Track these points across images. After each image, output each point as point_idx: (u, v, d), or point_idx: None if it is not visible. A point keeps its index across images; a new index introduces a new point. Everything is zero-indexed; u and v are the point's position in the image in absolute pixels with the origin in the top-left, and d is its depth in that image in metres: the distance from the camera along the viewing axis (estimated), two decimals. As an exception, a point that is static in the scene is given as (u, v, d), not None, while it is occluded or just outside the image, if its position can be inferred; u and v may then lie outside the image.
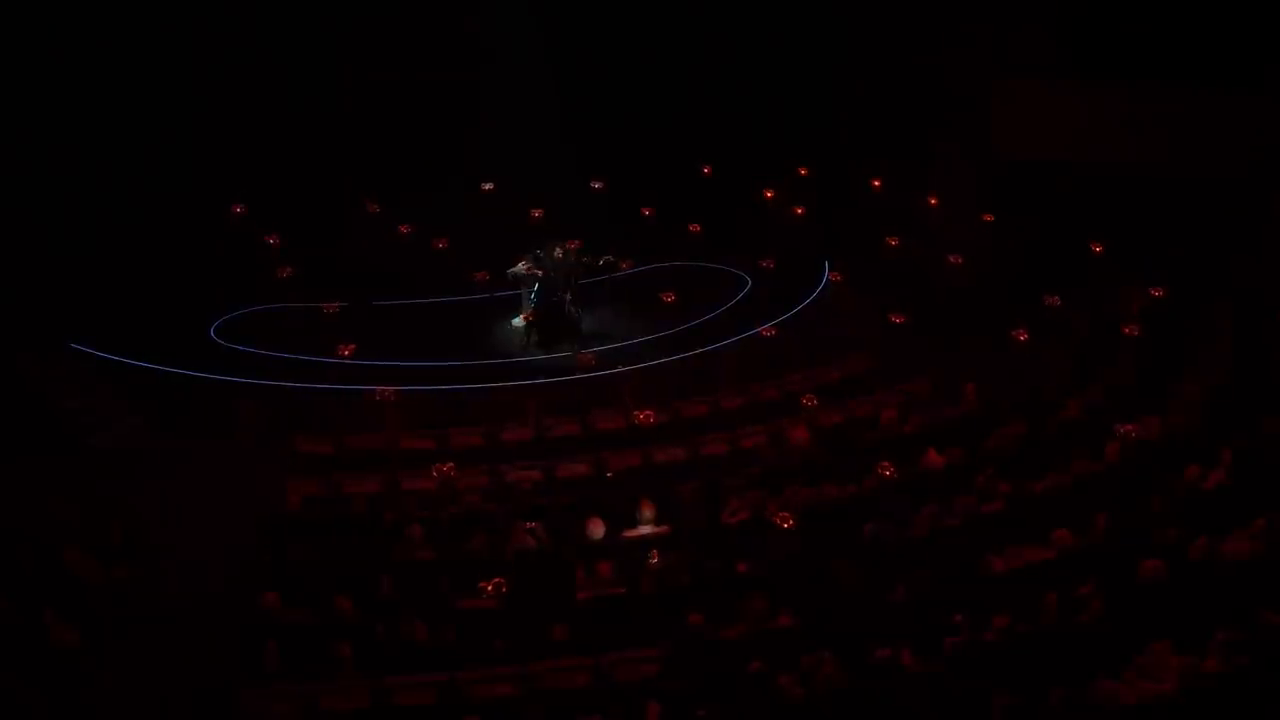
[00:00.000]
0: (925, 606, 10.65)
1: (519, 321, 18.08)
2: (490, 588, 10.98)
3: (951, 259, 18.19)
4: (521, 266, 17.89)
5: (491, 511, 13.02)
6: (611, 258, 18.14)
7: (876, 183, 20.49)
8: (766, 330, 16.86)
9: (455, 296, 18.91)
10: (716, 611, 10.80)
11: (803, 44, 21.43)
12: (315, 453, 14.70)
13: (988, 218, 19.17)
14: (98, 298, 17.26)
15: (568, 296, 17.83)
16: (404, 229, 18.91)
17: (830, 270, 18.98)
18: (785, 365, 16.93)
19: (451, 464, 13.52)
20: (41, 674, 10.40)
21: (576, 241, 17.99)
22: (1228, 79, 18.03)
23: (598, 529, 12.30)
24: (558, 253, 17.79)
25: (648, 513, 12.51)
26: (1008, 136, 20.47)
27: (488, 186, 19.57)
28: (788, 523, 11.86)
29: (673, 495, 13.03)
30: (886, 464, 12.87)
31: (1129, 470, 12.70)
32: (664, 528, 12.50)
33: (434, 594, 11.44)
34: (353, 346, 15.75)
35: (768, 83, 21.62)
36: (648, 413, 14.25)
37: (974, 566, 11.26)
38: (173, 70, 19.60)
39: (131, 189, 18.83)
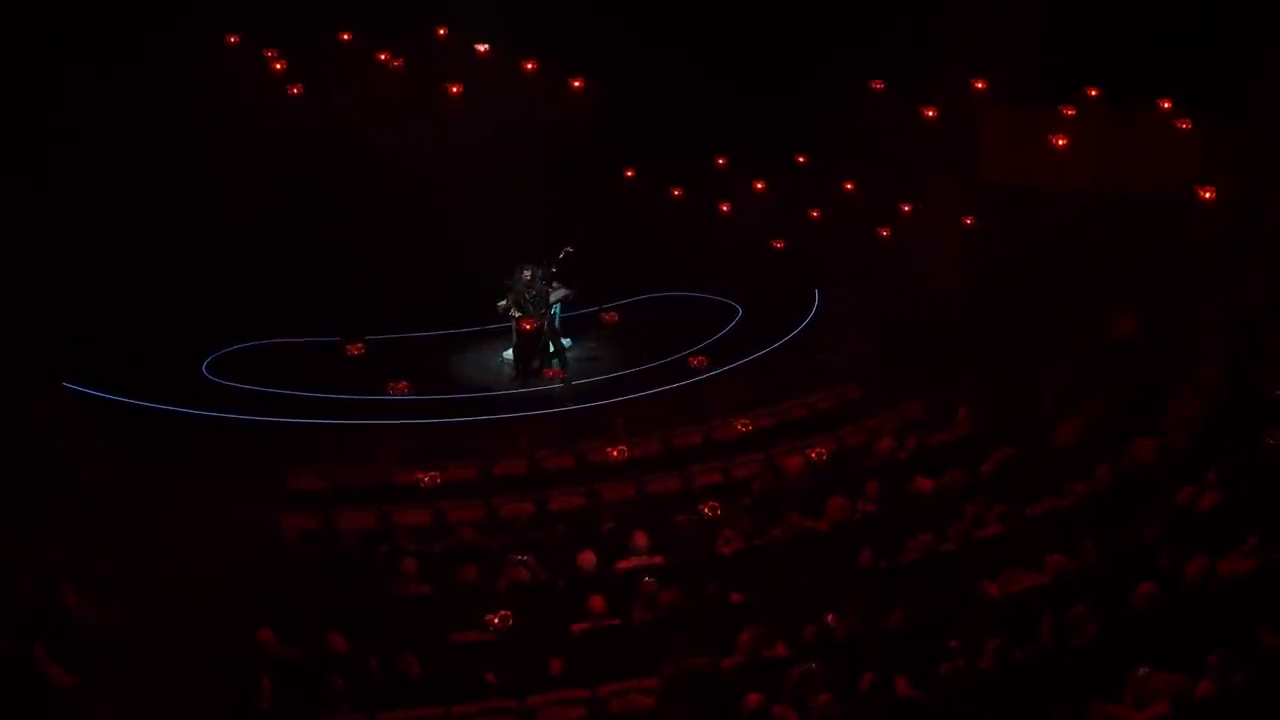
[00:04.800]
0: (920, 633, 10.65)
1: (509, 354, 18.07)
2: (497, 620, 11.04)
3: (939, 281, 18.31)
4: (509, 299, 17.81)
5: (485, 545, 13.02)
6: (570, 249, 17.70)
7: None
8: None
9: (445, 330, 18.96)
10: (713, 642, 10.79)
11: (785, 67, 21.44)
12: (309, 488, 14.70)
13: (968, 220, 19.24)
14: (90, 333, 17.26)
15: (545, 324, 17.68)
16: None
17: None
18: (777, 393, 16.97)
19: (436, 473, 13.61)
20: (37, 713, 10.37)
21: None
22: (1211, 102, 18.15)
23: (589, 561, 12.30)
24: (526, 274, 17.65)
25: (641, 543, 12.52)
26: (993, 162, 20.56)
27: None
28: (716, 512, 12.44)
29: (666, 525, 13.04)
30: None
31: (1123, 492, 12.74)
32: (657, 558, 12.51)
33: (429, 628, 11.43)
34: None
35: (751, 109, 21.62)
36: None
37: (969, 592, 11.27)
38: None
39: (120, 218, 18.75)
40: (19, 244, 17.55)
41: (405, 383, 15.84)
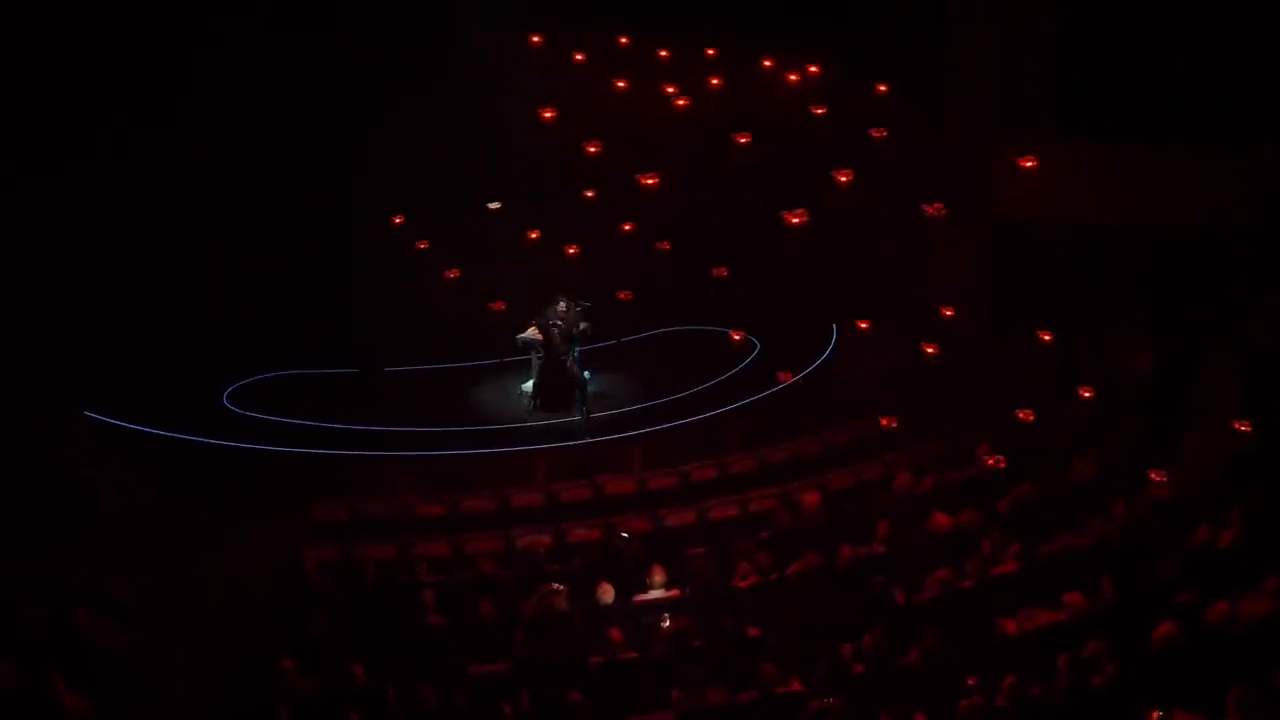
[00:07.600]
0: (937, 670, 10.63)
1: (529, 386, 18.11)
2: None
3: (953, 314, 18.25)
4: (531, 331, 17.82)
5: (504, 577, 13.06)
6: (589, 303, 17.69)
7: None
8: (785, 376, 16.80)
9: (465, 362, 19.02)
10: (729, 676, 10.79)
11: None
12: (330, 519, 14.76)
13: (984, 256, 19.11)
14: (111, 361, 17.34)
15: (569, 358, 17.71)
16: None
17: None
18: (794, 428, 16.98)
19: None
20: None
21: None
22: (1225, 134, 18.20)
23: (608, 594, 12.33)
24: (561, 305, 17.63)
25: (658, 577, 12.55)
26: (1008, 197, 20.60)
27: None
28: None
29: (683, 559, 13.06)
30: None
31: (1141, 529, 12.71)
32: (674, 591, 12.53)
33: (447, 659, 11.46)
34: None
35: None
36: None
37: (986, 629, 11.25)
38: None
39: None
40: (40, 272, 17.68)
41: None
